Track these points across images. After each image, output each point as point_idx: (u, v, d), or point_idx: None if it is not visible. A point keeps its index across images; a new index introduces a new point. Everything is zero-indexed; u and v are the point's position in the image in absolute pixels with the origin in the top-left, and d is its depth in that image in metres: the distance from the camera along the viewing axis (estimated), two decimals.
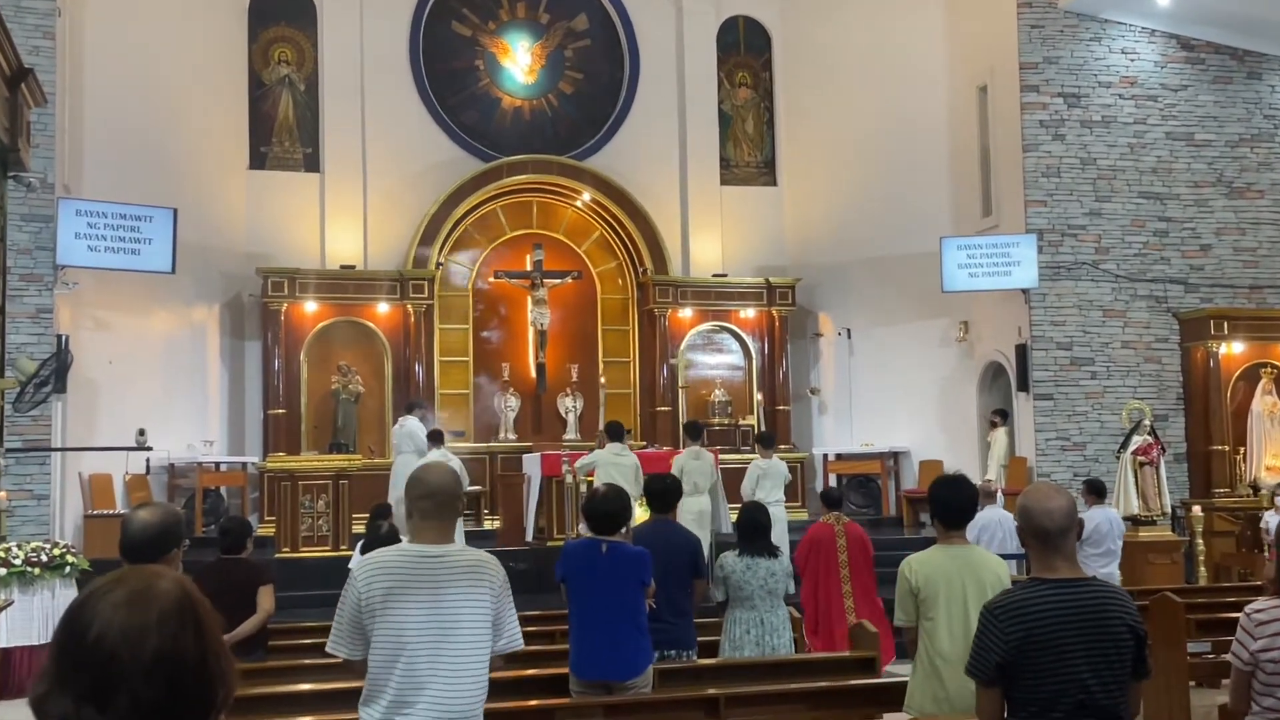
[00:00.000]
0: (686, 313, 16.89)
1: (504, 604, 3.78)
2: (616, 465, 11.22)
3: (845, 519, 9.36)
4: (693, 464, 11.54)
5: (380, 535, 7.38)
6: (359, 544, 8.94)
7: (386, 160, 16.27)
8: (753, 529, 6.84)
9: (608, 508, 5.64)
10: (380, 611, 3.63)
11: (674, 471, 10.62)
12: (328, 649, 3.76)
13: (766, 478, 11.82)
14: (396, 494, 11.95)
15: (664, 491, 6.50)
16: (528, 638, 7.56)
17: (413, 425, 13.15)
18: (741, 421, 16.64)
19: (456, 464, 12.05)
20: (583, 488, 11.63)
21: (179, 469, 14.57)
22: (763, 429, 15.08)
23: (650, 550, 5.70)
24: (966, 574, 4.59)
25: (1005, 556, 9.86)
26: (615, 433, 11.71)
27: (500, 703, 4.87)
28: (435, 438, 12.71)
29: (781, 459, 12.64)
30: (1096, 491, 10.23)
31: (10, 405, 10.29)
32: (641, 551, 5.60)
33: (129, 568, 1.68)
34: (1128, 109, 14.85)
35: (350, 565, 8.78)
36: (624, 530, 5.69)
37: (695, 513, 11.08)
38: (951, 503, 4.73)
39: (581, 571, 5.55)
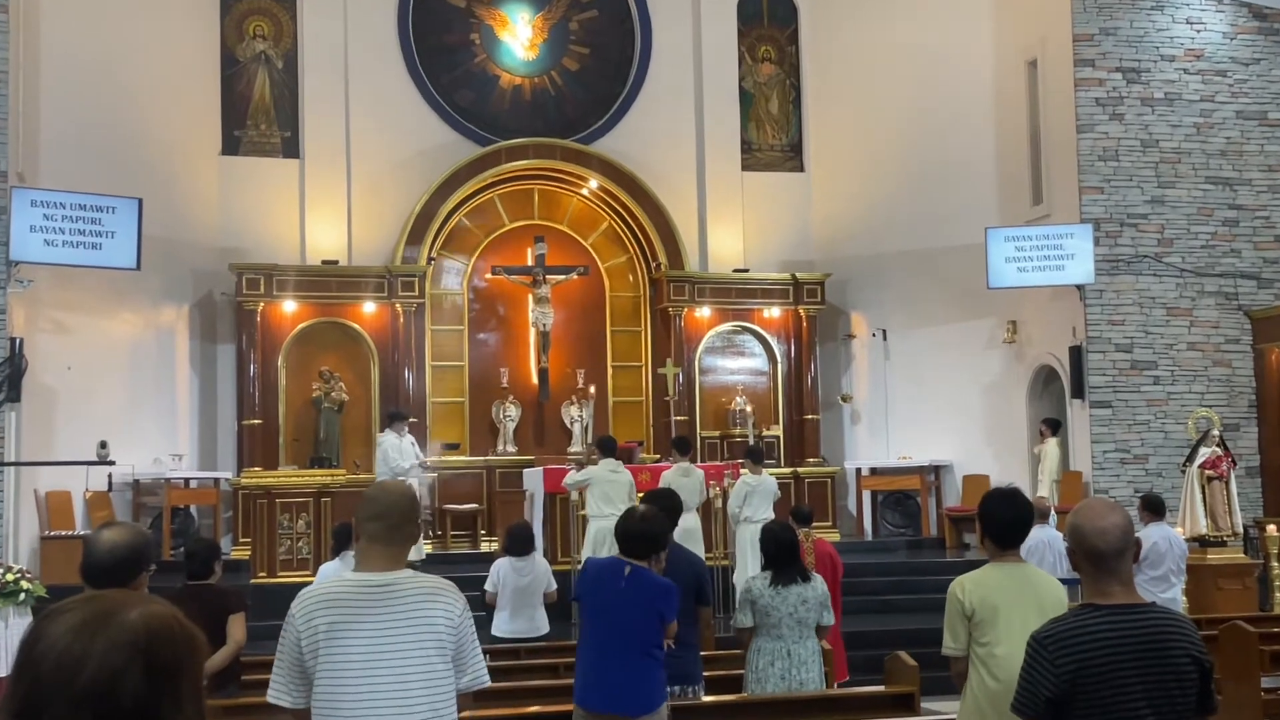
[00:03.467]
0: (704, 312, 16.91)
1: (465, 637, 3.67)
2: (612, 482, 11.49)
3: (815, 535, 9.89)
4: (681, 481, 11.62)
5: None
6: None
7: (373, 145, 16.33)
8: (780, 551, 6.84)
9: (645, 529, 5.57)
10: (323, 649, 3.54)
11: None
12: (268, 698, 3.65)
13: (755, 494, 12.00)
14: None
15: (669, 510, 6.52)
16: (532, 670, 7.67)
17: (390, 443, 13.24)
18: (766, 432, 16.64)
19: (411, 451, 12.23)
20: (584, 510, 11.73)
21: (145, 485, 14.62)
22: (752, 443, 15.17)
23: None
24: (1027, 595, 4.55)
25: None
26: (608, 447, 11.99)
27: None
28: (395, 418, 12.67)
29: (772, 475, 12.83)
30: (1154, 508, 10.17)
31: None
32: (668, 585, 5.52)
33: (108, 591, 1.71)
34: (1193, 85, 14.82)
35: None
36: (659, 557, 5.61)
37: (683, 531, 11.17)
38: (1005, 519, 4.71)
39: (597, 593, 5.53)
